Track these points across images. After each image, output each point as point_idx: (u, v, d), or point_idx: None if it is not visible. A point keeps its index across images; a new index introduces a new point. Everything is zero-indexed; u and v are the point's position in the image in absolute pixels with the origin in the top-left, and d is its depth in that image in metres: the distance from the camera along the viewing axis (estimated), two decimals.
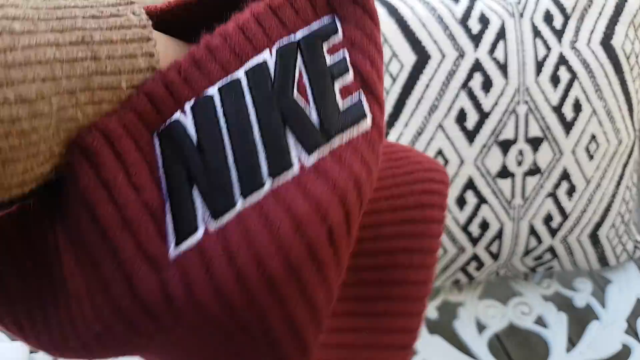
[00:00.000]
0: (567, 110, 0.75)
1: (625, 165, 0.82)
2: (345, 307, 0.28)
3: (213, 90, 0.22)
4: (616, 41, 0.77)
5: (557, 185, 0.77)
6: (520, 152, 0.75)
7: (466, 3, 0.75)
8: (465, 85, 0.73)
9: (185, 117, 0.22)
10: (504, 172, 0.75)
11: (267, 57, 0.23)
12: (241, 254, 0.20)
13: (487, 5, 0.76)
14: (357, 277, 0.28)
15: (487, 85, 0.73)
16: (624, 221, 0.84)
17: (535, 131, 0.74)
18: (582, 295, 0.88)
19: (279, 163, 0.22)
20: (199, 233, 0.21)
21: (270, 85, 0.23)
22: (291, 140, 0.22)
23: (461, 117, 0.73)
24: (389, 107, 0.75)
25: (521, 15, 0.75)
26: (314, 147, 0.22)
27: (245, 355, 0.22)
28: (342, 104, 0.24)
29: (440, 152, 0.74)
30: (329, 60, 0.24)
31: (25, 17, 0.18)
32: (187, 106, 0.22)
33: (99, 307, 0.21)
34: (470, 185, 0.75)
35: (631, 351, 0.78)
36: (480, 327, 0.83)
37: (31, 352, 0.69)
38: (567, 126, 0.75)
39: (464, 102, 0.73)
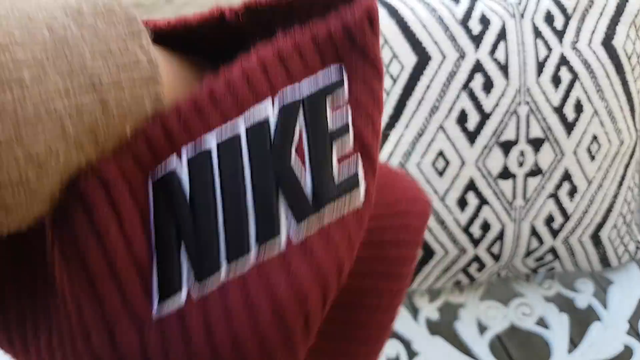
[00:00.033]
0: (569, 111, 0.75)
1: (627, 166, 0.81)
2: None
3: (212, 144, 0.22)
4: (617, 41, 0.77)
5: (558, 186, 0.77)
6: (522, 153, 0.75)
7: (467, 4, 0.75)
8: (466, 86, 0.73)
9: (181, 168, 0.22)
10: (505, 173, 0.75)
11: (269, 110, 0.23)
12: (218, 331, 0.21)
13: (488, 6, 0.75)
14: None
15: (488, 86, 0.73)
16: (625, 222, 0.84)
17: (536, 132, 0.74)
18: (584, 296, 0.88)
19: (268, 231, 0.22)
20: (182, 295, 0.21)
21: (269, 145, 0.22)
22: (282, 208, 0.22)
23: (462, 118, 0.73)
24: (389, 108, 0.75)
25: (522, 15, 0.75)
26: (304, 217, 0.22)
27: None
28: (338, 171, 0.24)
29: (441, 153, 0.74)
30: (331, 119, 0.24)
31: (34, 60, 0.18)
32: (184, 154, 0.22)
33: (79, 353, 0.21)
34: (471, 186, 0.75)
35: (633, 352, 0.78)
36: (482, 328, 0.83)
37: None
38: (569, 127, 0.75)
39: (465, 103, 0.73)
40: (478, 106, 0.73)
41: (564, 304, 0.88)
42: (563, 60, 0.74)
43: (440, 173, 0.75)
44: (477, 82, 0.73)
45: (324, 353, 0.27)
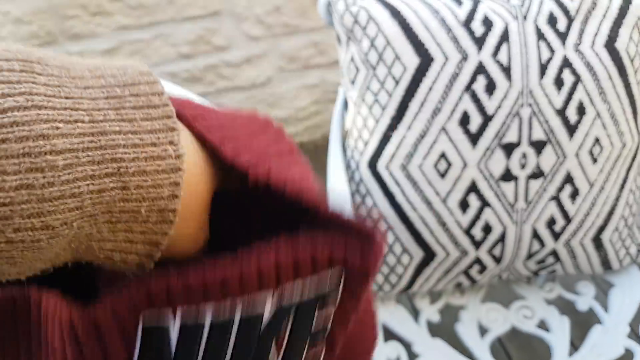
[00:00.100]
0: (571, 113, 0.75)
1: (629, 169, 0.81)
2: None
3: (207, 320, 0.24)
4: (620, 44, 0.77)
5: (560, 189, 0.77)
6: (524, 155, 0.75)
7: (469, 5, 0.75)
8: (468, 88, 0.72)
9: (173, 330, 0.23)
10: (507, 176, 0.75)
11: (267, 307, 0.25)
12: None
13: (491, 7, 0.75)
14: None
15: (490, 88, 0.73)
16: (627, 225, 0.84)
17: (538, 134, 0.74)
18: (585, 299, 0.88)
19: None
20: None
21: (257, 337, 0.25)
22: None
23: (464, 120, 0.73)
24: (392, 109, 0.74)
25: (525, 17, 0.75)
26: None
27: None
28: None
29: (443, 155, 0.74)
30: (316, 320, 0.26)
31: (71, 149, 0.20)
32: (179, 316, 0.24)
33: None
34: (473, 188, 0.75)
35: (634, 355, 0.78)
36: (483, 331, 0.83)
37: None
38: (571, 129, 0.75)
39: (467, 105, 0.73)
40: (480, 108, 0.73)
41: (565, 307, 0.87)
42: (566, 63, 0.74)
43: (442, 175, 0.74)
44: (480, 84, 0.72)
45: None
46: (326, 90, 1.50)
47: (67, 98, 0.20)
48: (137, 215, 0.22)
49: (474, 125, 0.73)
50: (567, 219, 0.78)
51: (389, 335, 0.81)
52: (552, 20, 0.75)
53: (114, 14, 1.24)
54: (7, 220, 0.19)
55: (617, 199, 0.81)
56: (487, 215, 0.76)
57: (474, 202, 0.75)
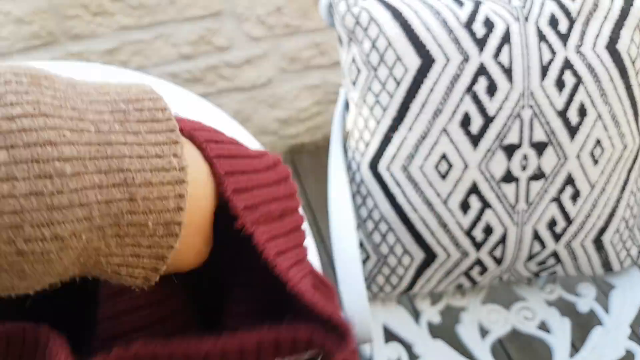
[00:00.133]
0: (572, 115, 0.75)
1: (630, 170, 0.81)
2: None
3: None
4: (621, 45, 0.76)
5: (561, 190, 0.77)
6: (525, 157, 0.75)
7: (471, 7, 0.75)
8: (469, 89, 0.72)
9: None
10: (508, 177, 0.75)
11: None
12: None
13: (492, 9, 0.75)
14: None
15: (491, 89, 0.73)
16: (628, 226, 0.84)
17: (539, 136, 0.74)
18: (586, 301, 0.88)
19: None
20: None
21: None
22: None
23: (465, 122, 0.73)
24: (393, 110, 0.74)
25: (526, 19, 0.75)
26: None
27: None
28: None
29: (444, 157, 0.74)
30: None
31: (78, 157, 0.20)
32: None
33: None
34: (474, 189, 0.75)
35: (635, 357, 0.78)
36: (483, 332, 0.83)
37: None
38: (572, 131, 0.75)
39: (469, 106, 0.73)
40: (481, 109, 0.73)
41: (566, 308, 0.87)
42: (567, 64, 0.74)
43: (443, 176, 0.74)
44: (481, 85, 0.72)
45: None
46: (327, 91, 1.50)
47: (73, 109, 0.21)
48: (145, 228, 0.22)
49: (475, 127, 0.73)
50: (568, 220, 0.78)
51: (390, 336, 0.81)
52: (553, 22, 0.75)
53: (115, 14, 1.24)
54: (17, 230, 0.19)
55: (618, 201, 0.81)
56: (488, 216, 0.76)
57: (474, 203, 0.75)
